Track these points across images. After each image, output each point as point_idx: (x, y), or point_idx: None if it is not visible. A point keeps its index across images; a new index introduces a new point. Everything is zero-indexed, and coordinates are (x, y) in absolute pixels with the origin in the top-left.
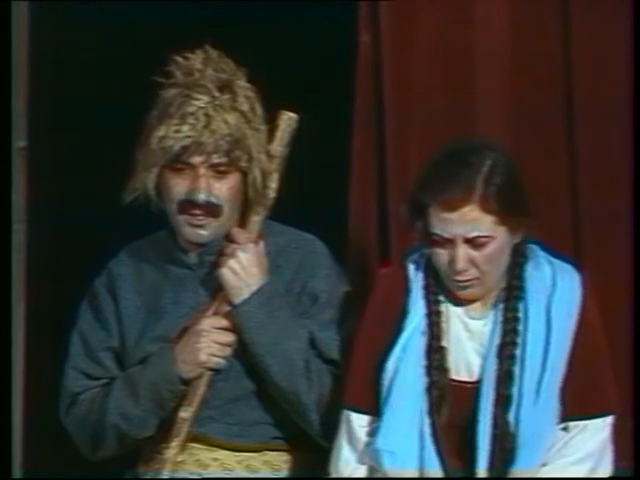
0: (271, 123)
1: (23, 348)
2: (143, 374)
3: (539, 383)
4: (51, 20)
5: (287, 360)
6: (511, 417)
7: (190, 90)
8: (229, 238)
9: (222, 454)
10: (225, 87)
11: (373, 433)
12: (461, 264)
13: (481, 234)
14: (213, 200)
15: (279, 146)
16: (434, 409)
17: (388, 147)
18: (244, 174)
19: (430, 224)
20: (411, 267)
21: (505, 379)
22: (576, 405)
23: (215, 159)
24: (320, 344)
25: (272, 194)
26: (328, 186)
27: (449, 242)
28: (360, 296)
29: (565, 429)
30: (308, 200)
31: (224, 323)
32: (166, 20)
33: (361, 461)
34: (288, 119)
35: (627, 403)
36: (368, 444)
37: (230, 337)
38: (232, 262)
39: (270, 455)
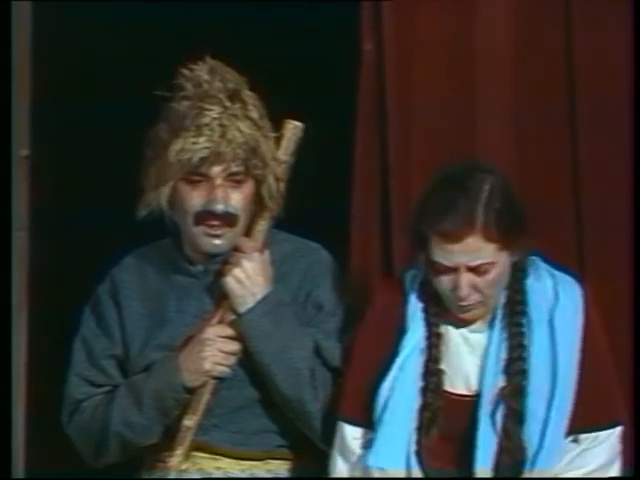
0: (274, 131)
1: (25, 353)
2: (147, 382)
3: (551, 397)
4: (53, 23)
5: (292, 369)
6: (523, 431)
7: (202, 102)
8: (234, 247)
9: (225, 462)
10: (234, 96)
11: (366, 445)
12: (465, 291)
13: (485, 262)
14: (231, 210)
15: (285, 155)
16: (423, 429)
17: (391, 154)
18: (257, 182)
19: (432, 253)
20: (410, 282)
21: (516, 394)
22: (585, 417)
23: (233, 168)
24: (325, 352)
25: (280, 202)
26: (330, 193)
27: (452, 270)
28: (363, 305)
29: (575, 441)
30: (310, 207)
31: (229, 332)
32: (168, 22)
33: (351, 473)
34: (294, 128)
35: (628, 405)
36: (360, 457)
37: (235, 346)
38: (237, 271)
39: (274, 464)
